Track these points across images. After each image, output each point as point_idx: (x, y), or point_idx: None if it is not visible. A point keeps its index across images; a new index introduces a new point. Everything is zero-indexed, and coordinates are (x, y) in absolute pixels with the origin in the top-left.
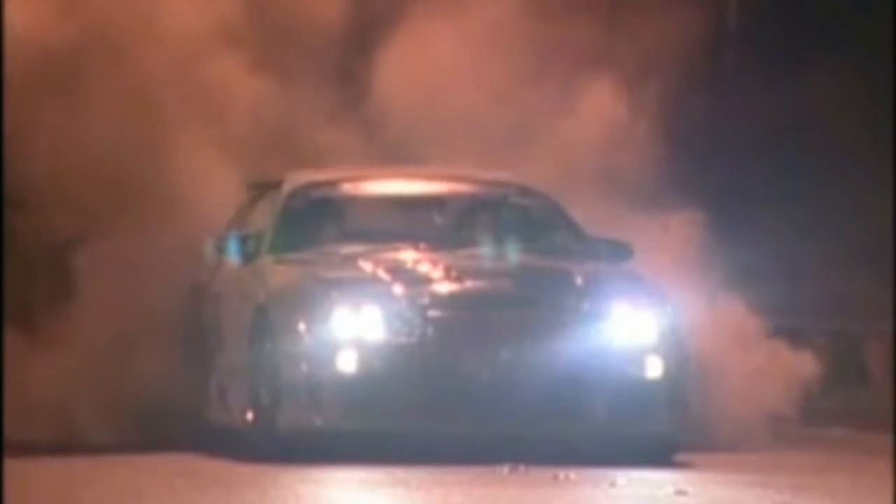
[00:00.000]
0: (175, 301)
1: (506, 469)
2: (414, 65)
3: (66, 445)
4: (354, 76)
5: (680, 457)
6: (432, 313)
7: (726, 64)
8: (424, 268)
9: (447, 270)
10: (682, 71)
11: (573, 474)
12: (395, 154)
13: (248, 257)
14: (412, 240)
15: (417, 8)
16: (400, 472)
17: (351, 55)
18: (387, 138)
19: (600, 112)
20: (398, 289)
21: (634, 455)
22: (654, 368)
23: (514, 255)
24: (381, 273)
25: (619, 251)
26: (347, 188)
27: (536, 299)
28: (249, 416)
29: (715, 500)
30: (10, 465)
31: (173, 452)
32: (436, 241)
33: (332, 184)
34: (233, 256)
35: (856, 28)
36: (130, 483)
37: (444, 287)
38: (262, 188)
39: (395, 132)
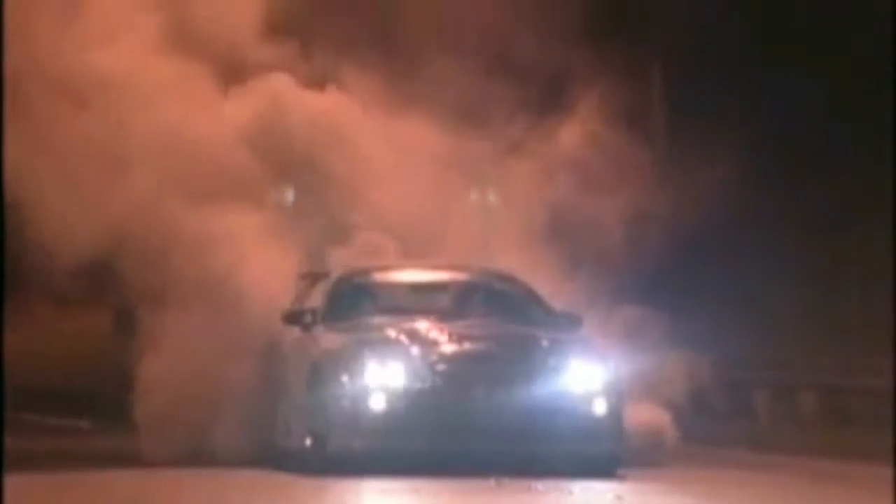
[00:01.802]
0: (255, 359)
1: (493, 481)
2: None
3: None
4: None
5: (620, 471)
6: (439, 367)
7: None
8: (433, 334)
9: (450, 336)
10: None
11: (541, 485)
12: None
13: (307, 327)
14: (424, 313)
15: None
16: (414, 483)
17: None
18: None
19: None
20: (414, 349)
21: (586, 470)
22: (600, 407)
23: (497, 325)
24: (402, 338)
25: (574, 321)
26: (377, 276)
27: (514, 357)
28: (307, 442)
29: (647, 502)
30: (110, 476)
31: (253, 469)
32: (441, 314)
33: (366, 273)
34: (296, 326)
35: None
36: (217, 490)
37: (448, 348)
38: (313, 277)
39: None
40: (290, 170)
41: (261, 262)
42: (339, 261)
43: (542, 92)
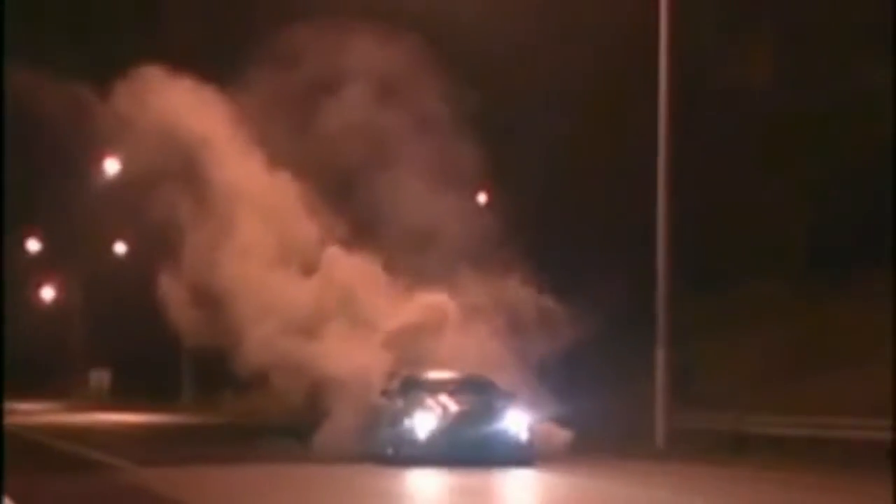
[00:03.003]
0: (369, 413)
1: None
2: None
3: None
4: None
5: (535, 465)
6: (450, 417)
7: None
8: (448, 401)
9: (458, 402)
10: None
11: (498, 472)
12: None
13: (390, 397)
14: (443, 392)
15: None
16: (441, 470)
17: None
18: None
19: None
20: (439, 409)
21: (518, 465)
22: (524, 436)
23: (477, 397)
24: (433, 403)
25: (512, 395)
26: (421, 375)
27: (485, 412)
28: (390, 451)
29: (548, 482)
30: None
31: (363, 465)
32: (451, 392)
33: (416, 374)
34: (386, 397)
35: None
36: (350, 472)
37: (454, 408)
38: (392, 374)
39: None
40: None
41: (373, 370)
42: (405, 366)
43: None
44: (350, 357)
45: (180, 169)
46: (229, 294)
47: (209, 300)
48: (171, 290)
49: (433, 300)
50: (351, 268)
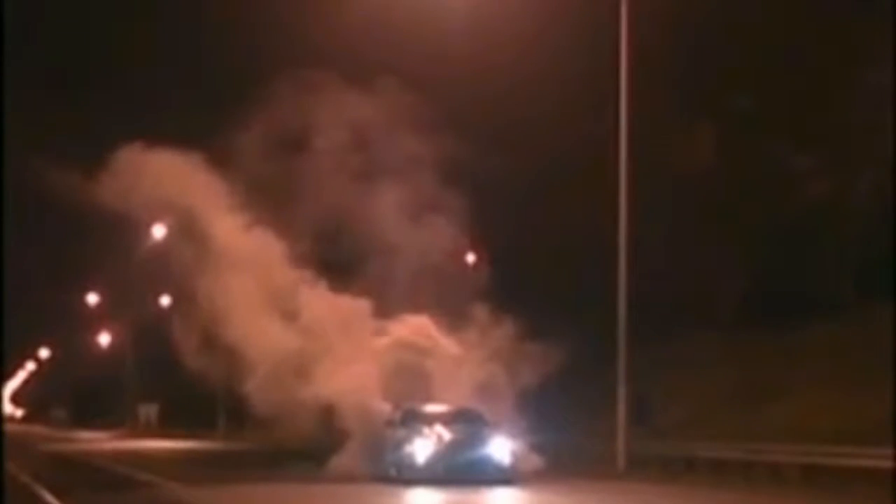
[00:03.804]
0: (375, 440)
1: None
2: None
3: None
4: None
5: (515, 484)
6: (445, 444)
7: None
8: (442, 430)
9: (452, 431)
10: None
11: (488, 494)
12: None
13: (393, 427)
14: (438, 422)
15: None
16: (437, 489)
17: None
18: None
19: None
20: (434, 437)
21: (502, 484)
22: (506, 460)
23: (468, 426)
24: (430, 432)
25: (498, 425)
26: (419, 408)
27: (475, 439)
28: (393, 472)
29: (528, 498)
30: (303, 486)
31: (371, 485)
32: (445, 422)
33: (415, 406)
34: (390, 427)
35: None
36: (357, 489)
37: (448, 436)
38: (395, 406)
39: None
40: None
41: (377, 402)
42: (404, 400)
43: None
44: (347, 384)
45: (182, 231)
46: (230, 340)
47: (212, 345)
48: (183, 337)
49: (417, 320)
50: (337, 307)
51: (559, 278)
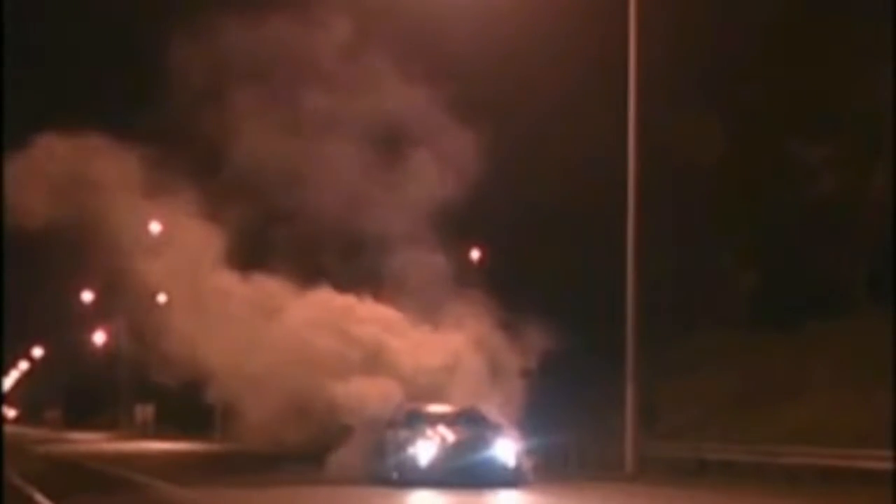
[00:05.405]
0: (377, 441)
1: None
2: None
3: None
4: None
5: (522, 489)
6: (448, 445)
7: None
8: (446, 431)
9: (454, 432)
10: None
11: (492, 497)
12: None
13: (395, 427)
14: (441, 423)
15: None
16: (439, 492)
17: None
18: None
19: None
20: (437, 438)
21: (507, 486)
22: (511, 462)
23: (471, 427)
24: (432, 433)
25: (501, 426)
26: (422, 408)
27: (478, 441)
28: (395, 475)
29: (533, 501)
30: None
31: (372, 487)
32: (449, 423)
33: (418, 406)
34: (391, 428)
35: None
36: (361, 492)
37: (451, 437)
38: (398, 405)
39: None
40: None
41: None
42: (408, 399)
43: None
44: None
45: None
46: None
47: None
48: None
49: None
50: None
51: (567, 275)
